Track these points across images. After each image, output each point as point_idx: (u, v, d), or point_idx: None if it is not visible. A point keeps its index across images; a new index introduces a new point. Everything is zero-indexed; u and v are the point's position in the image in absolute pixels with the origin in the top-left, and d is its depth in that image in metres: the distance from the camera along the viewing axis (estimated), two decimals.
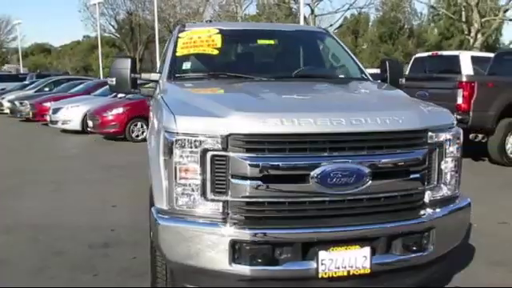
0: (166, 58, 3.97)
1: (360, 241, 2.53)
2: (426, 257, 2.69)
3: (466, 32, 17.72)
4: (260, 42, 4.16)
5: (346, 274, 2.50)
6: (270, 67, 4.06)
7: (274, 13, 28.49)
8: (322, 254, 2.47)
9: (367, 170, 2.51)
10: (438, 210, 2.75)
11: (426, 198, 2.75)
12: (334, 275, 2.49)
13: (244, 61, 4.15)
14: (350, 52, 4.26)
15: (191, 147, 2.50)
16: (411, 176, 2.65)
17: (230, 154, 2.46)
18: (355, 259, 2.51)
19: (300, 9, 20.48)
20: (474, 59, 11.11)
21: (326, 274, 2.48)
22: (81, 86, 17.75)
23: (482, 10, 18.07)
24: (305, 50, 4.31)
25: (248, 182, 2.45)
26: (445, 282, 3.49)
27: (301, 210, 2.53)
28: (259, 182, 2.45)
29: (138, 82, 3.72)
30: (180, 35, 4.09)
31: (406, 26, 41.20)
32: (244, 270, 2.47)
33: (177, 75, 3.69)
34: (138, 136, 11.62)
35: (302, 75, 3.83)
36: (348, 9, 25.27)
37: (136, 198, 6.08)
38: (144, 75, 3.87)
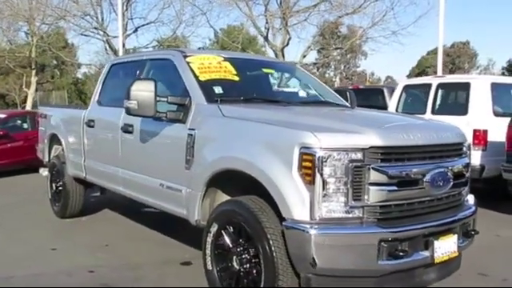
0: (187, 82, 3.92)
1: (451, 229, 3.17)
2: (473, 241, 3.48)
3: None
4: (265, 70, 4.46)
5: (447, 258, 3.10)
6: (288, 94, 4.40)
7: (52, 43, 27.15)
8: (436, 243, 3.02)
9: (451, 173, 3.19)
10: (471, 203, 3.59)
11: (464, 195, 3.57)
12: (442, 260, 3.07)
13: (262, 87, 4.37)
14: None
15: (336, 160, 2.78)
16: (464, 178, 3.44)
17: (369, 165, 2.83)
18: (450, 245, 3.14)
19: (119, 44, 20.22)
20: None
21: (438, 259, 3.03)
22: None
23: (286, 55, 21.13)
24: (302, 80, 4.78)
25: (384, 187, 2.86)
26: None
27: (412, 209, 3.05)
28: (393, 188, 2.89)
29: None
30: (188, 60, 4.10)
31: None
32: (387, 265, 2.83)
33: (216, 98, 3.74)
34: None
35: (319, 101, 4.36)
36: (158, 45, 25.75)
37: (64, 236, 5.41)
38: (171, 98, 3.77)
